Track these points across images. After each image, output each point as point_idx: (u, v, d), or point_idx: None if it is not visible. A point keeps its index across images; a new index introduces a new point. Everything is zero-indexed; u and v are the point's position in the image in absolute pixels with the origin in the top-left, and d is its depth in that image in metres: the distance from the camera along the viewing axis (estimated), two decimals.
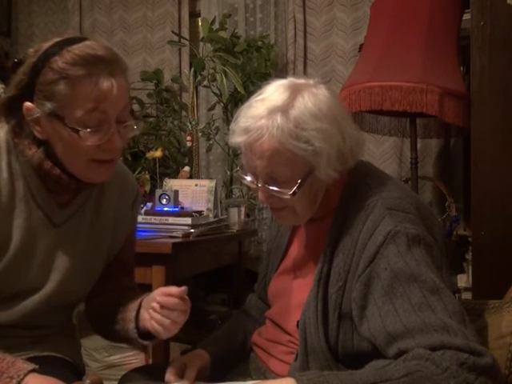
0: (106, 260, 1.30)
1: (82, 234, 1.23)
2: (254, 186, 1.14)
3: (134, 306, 1.18)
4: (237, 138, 1.11)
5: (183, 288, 1.07)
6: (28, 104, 1.07)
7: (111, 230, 1.29)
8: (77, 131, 1.05)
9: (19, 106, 1.08)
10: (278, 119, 1.06)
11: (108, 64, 1.05)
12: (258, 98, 1.11)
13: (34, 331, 1.22)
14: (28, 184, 1.14)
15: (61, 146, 1.09)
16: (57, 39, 1.08)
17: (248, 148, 1.10)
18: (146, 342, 1.18)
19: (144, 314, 1.13)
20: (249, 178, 1.15)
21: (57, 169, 1.12)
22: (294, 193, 1.09)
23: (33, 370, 1.03)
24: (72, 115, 1.04)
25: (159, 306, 1.08)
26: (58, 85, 1.03)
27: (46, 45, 1.08)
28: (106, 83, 1.04)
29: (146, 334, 1.16)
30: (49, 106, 1.05)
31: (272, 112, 1.06)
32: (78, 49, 1.05)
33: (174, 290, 1.08)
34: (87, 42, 1.07)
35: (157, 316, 1.09)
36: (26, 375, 1.01)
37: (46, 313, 1.21)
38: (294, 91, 1.09)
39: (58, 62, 1.04)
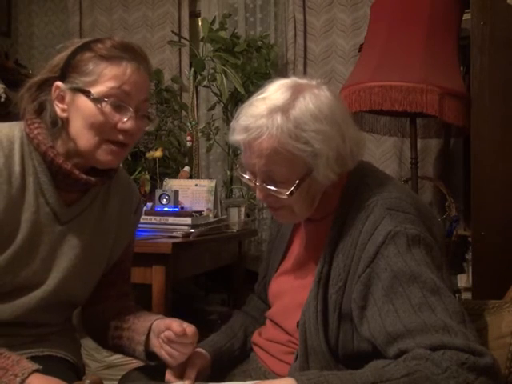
0: (107, 263, 1.32)
1: (86, 234, 1.25)
2: (252, 184, 1.15)
3: (143, 328, 1.22)
4: (236, 136, 1.11)
5: (182, 329, 1.11)
6: (58, 82, 1.15)
7: (114, 233, 1.31)
8: (100, 102, 1.12)
9: (48, 88, 1.16)
10: (278, 119, 1.06)
11: (139, 56, 1.17)
12: (260, 96, 1.11)
13: (36, 329, 1.23)
14: (38, 180, 1.18)
15: (80, 121, 1.14)
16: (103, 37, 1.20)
17: (247, 146, 1.10)
18: (152, 363, 1.23)
19: (154, 341, 1.18)
20: (247, 176, 1.15)
21: (68, 163, 1.16)
22: (292, 193, 1.08)
23: (37, 370, 1.04)
24: (97, 90, 1.12)
25: (167, 340, 1.13)
26: (92, 61, 1.13)
27: (90, 38, 1.19)
28: (133, 67, 1.14)
29: (152, 355, 1.21)
30: (79, 79, 1.13)
31: (272, 111, 1.06)
32: (118, 38, 1.17)
33: (174, 327, 1.12)
34: (125, 40, 1.19)
35: (167, 348, 1.14)
36: (30, 374, 1.02)
37: (47, 311, 1.22)
38: (296, 91, 1.09)
39: (98, 45, 1.15)
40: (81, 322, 1.41)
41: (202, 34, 3.04)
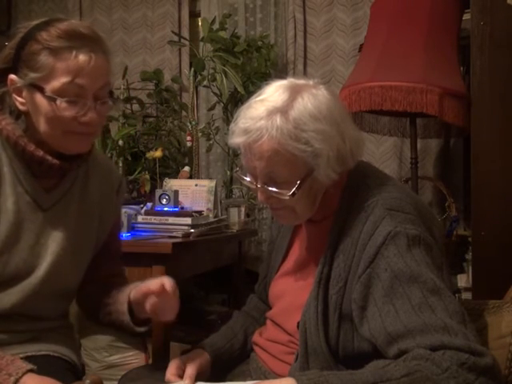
0: (95, 244, 1.33)
1: (70, 218, 1.26)
2: (253, 186, 1.14)
3: (123, 298, 1.23)
4: (236, 139, 1.11)
5: (160, 287, 1.11)
6: (12, 76, 1.13)
7: (98, 214, 1.32)
8: (54, 100, 1.09)
9: (4, 79, 1.14)
10: (278, 120, 1.05)
11: (89, 41, 1.11)
12: (258, 98, 1.11)
13: (33, 324, 1.23)
14: (14, 170, 1.18)
15: (40, 116, 1.13)
16: (45, 18, 1.16)
17: (247, 149, 1.10)
18: (142, 329, 1.24)
19: (136, 307, 1.20)
20: (248, 179, 1.15)
21: (39, 150, 1.16)
22: (293, 194, 1.08)
23: (31, 370, 1.04)
24: (51, 86, 1.10)
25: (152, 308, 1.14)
26: (41, 55, 1.09)
27: (35, 22, 1.15)
28: (84, 57, 1.10)
29: (141, 321, 1.23)
30: (31, 75, 1.10)
31: (271, 113, 1.06)
32: (63, 25, 1.12)
33: (153, 288, 1.12)
34: (73, 21, 1.14)
35: (154, 312, 1.15)
36: (24, 374, 1.02)
37: (42, 300, 1.23)
38: (294, 92, 1.09)
39: (43, 35, 1.10)
40: (83, 319, 1.41)
41: (202, 34, 3.03)
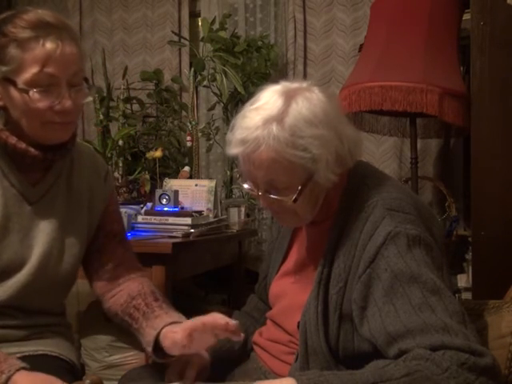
0: (87, 230, 1.33)
1: (58, 210, 1.26)
2: (254, 193, 1.15)
3: (149, 337, 1.17)
4: (234, 149, 1.10)
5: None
6: None
7: (87, 203, 1.32)
8: (26, 91, 1.09)
9: None
10: (274, 129, 1.05)
11: (56, 29, 1.11)
12: (252, 106, 1.10)
13: (28, 318, 1.23)
14: None
15: (17, 110, 1.13)
16: (12, 11, 1.15)
17: (246, 159, 1.09)
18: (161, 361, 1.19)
19: (167, 345, 1.14)
20: (249, 186, 1.15)
21: (22, 142, 1.16)
22: (295, 199, 1.09)
23: (24, 368, 1.04)
24: (22, 78, 1.09)
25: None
26: (9, 48, 1.09)
27: (1, 16, 1.14)
28: (51, 44, 1.09)
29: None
30: (2, 69, 1.10)
31: (267, 122, 1.06)
32: (28, 16, 1.11)
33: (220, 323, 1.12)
34: (39, 11, 1.13)
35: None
36: (17, 371, 1.02)
37: (37, 292, 1.23)
38: (288, 97, 1.08)
39: (10, 28, 1.10)
40: (83, 319, 1.40)
41: (202, 34, 3.04)
